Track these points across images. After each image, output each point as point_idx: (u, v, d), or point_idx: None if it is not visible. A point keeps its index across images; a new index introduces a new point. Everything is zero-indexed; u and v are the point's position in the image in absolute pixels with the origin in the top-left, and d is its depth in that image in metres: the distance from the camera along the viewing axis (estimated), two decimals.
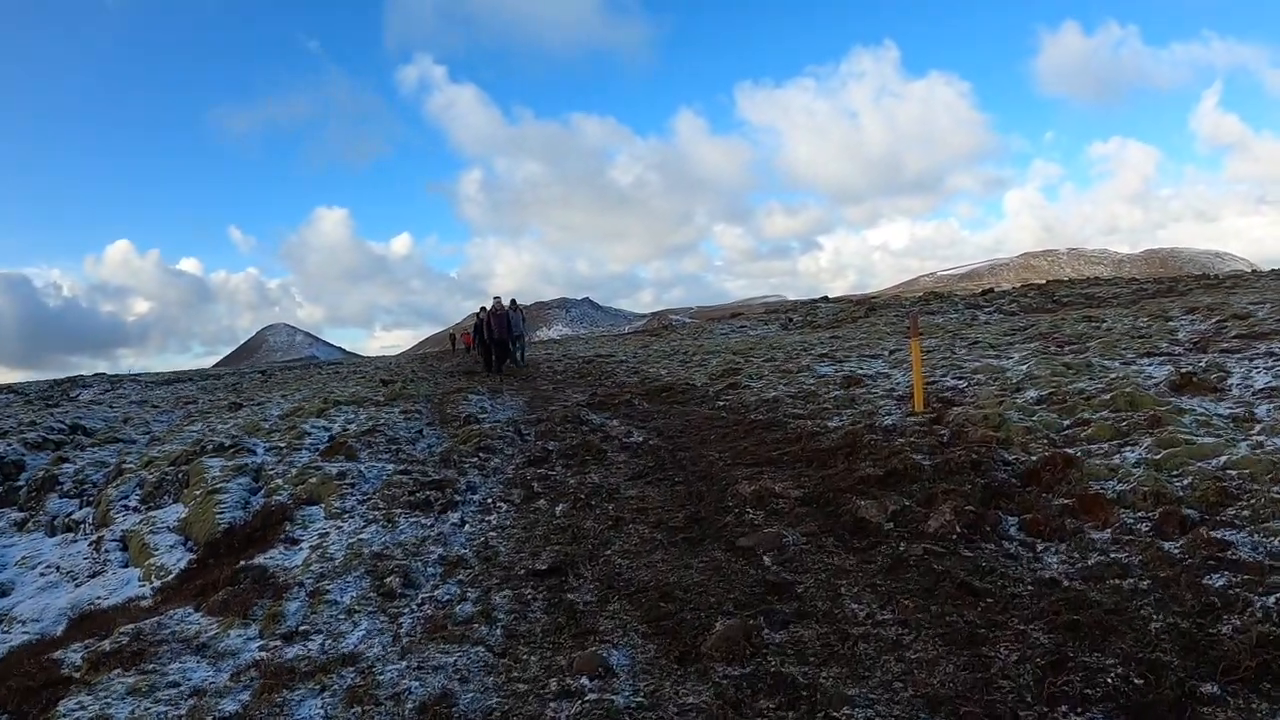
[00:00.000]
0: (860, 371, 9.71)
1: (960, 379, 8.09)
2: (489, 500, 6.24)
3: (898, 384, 8.23)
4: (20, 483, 9.84)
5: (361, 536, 5.82)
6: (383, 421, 9.44)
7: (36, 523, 8.94)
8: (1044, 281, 32.99)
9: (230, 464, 8.45)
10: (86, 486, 9.54)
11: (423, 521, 6.01)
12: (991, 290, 30.56)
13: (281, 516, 6.89)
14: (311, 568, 5.32)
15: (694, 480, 5.39)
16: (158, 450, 9.77)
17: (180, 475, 8.84)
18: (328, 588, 4.76)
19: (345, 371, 24.64)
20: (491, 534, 5.22)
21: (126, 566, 7.49)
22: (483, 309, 17.41)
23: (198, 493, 8.07)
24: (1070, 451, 4.45)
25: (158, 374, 31.26)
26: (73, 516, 9.00)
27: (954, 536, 3.47)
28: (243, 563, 5.82)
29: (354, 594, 4.58)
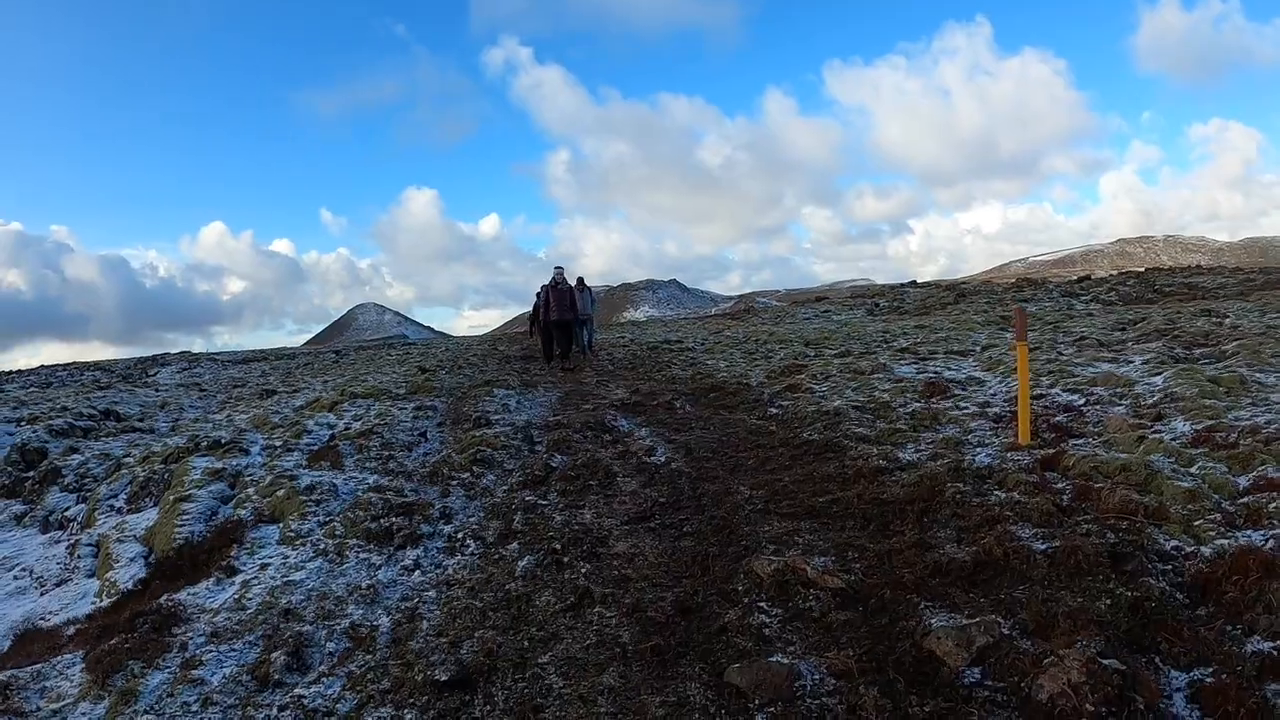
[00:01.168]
0: (947, 375, 7.98)
1: (1073, 392, 6.28)
2: (460, 534, 5.05)
3: (993, 395, 6.51)
4: (33, 474, 9.46)
5: (294, 577, 4.77)
6: (389, 420, 8.43)
7: (33, 518, 8.44)
8: (1142, 269, 30.09)
9: (214, 465, 7.62)
10: (87, 481, 8.99)
11: (373, 560, 4.88)
12: (1088, 277, 28.32)
13: (233, 536, 5.93)
14: (218, 618, 4.32)
15: (707, 533, 4.00)
16: (162, 444, 9.14)
17: (167, 475, 8.12)
18: (207, 657, 3.74)
19: (399, 355, 24.24)
20: (431, 593, 4.03)
21: (91, 576, 6.72)
22: (544, 287, 13.57)
23: (171, 498, 7.28)
24: (1266, 547, 2.79)
25: (235, 353, 32.06)
26: (67, 513, 8.46)
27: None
28: (160, 600, 4.88)
29: (228, 672, 3.53)
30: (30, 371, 24.84)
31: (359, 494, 6.09)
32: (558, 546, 4.14)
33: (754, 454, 5.55)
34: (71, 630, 5.04)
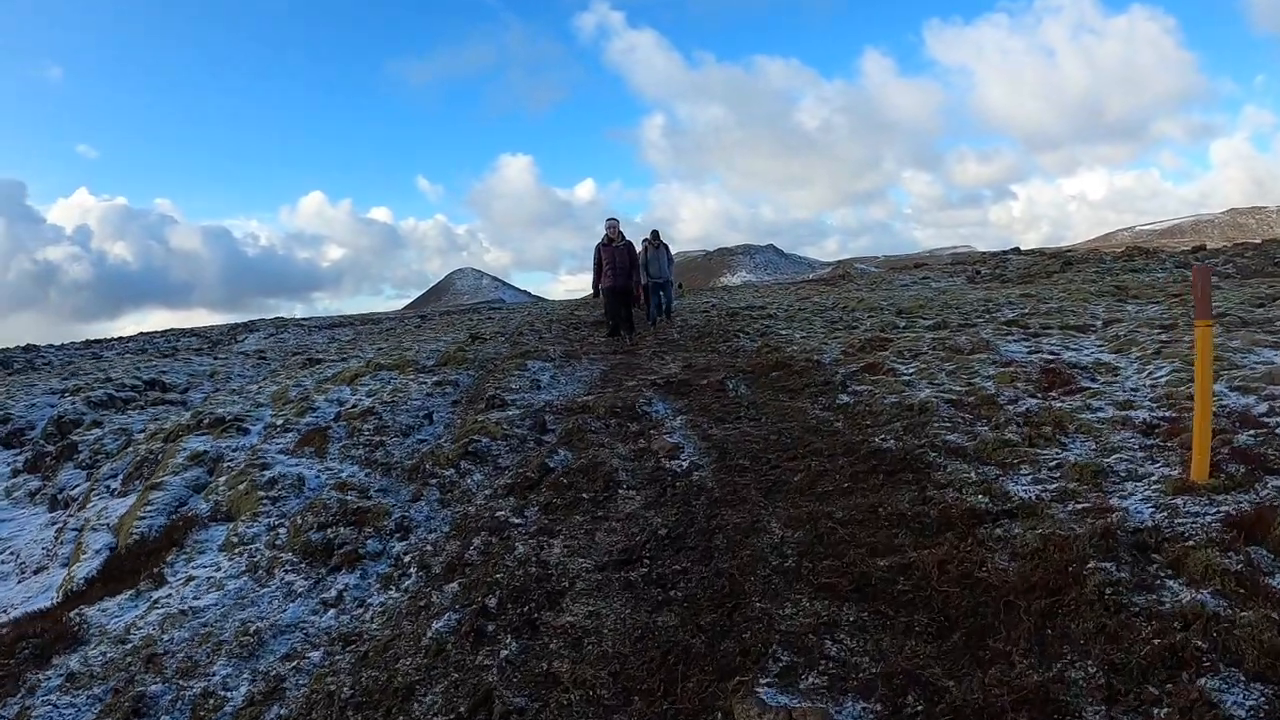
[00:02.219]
0: (1068, 357, 6.16)
1: (1246, 393, 4.39)
2: (408, 558, 3.95)
3: (1135, 392, 4.72)
4: (53, 448, 9.20)
5: (202, 600, 3.89)
6: (400, 398, 7.48)
7: (43, 495, 8.10)
8: (1259, 241, 26.33)
9: (200, 448, 6.88)
10: (99, 458, 8.57)
11: (295, 585, 3.87)
12: (1202, 248, 25.95)
13: (181, 536, 5.09)
14: (94, 653, 3.44)
15: (702, 603, 2.66)
16: (176, 419, 8.60)
17: (161, 455, 7.51)
18: (36, 715, 2.83)
19: (468, 320, 23.67)
20: (316, 654, 2.99)
21: (65, 566, 6.18)
22: (599, 245, 10.36)
23: (148, 484, 6.61)
24: None
25: (324, 318, 32.75)
26: (73, 492, 8.07)
27: None
28: (70, 614, 4.08)
29: None
30: (129, 338, 26.05)
31: (317, 493, 5.10)
32: (492, 604, 2.91)
33: (804, 464, 4.10)
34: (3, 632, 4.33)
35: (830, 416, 5.19)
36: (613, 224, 10.33)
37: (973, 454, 3.73)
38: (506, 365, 8.53)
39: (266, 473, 5.56)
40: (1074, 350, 6.76)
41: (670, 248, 13.69)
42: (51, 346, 22.86)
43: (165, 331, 27.75)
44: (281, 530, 4.59)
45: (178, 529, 5.17)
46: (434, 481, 5.08)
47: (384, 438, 6.30)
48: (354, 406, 7.44)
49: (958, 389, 5.20)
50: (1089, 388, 4.87)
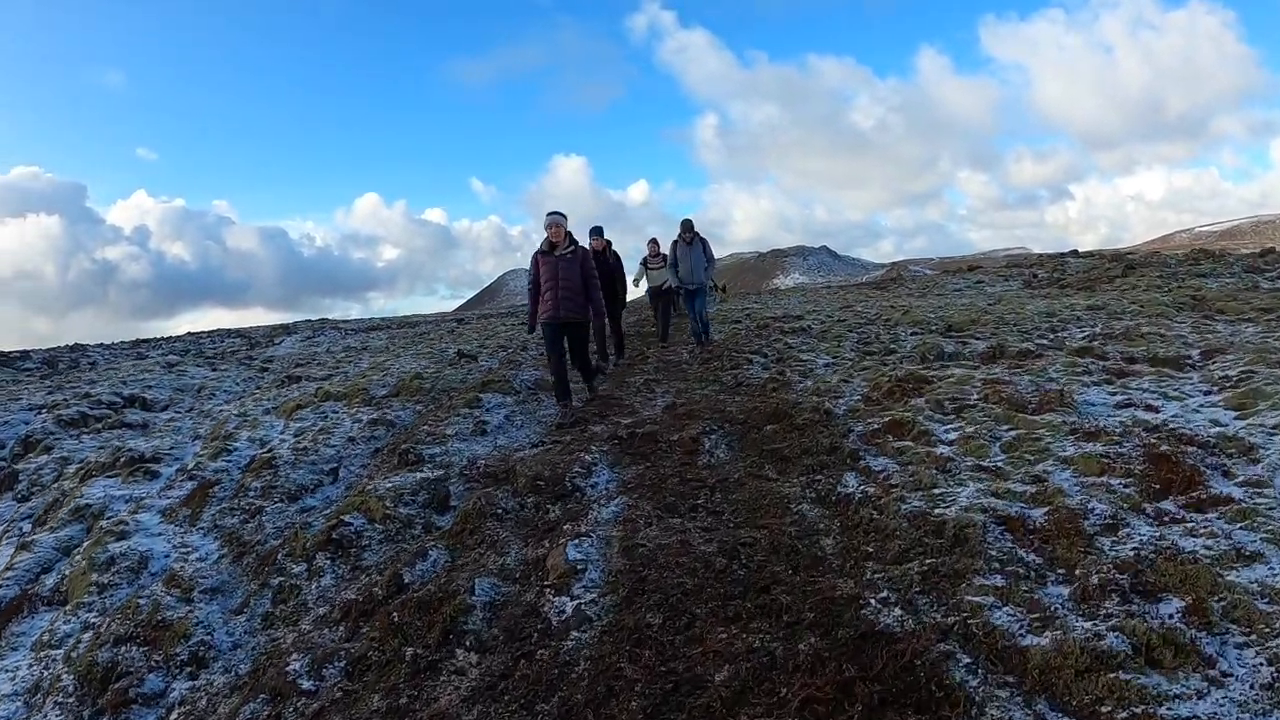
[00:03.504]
0: (1174, 418, 4.28)
1: None
2: (180, 716, 2.48)
3: None
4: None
5: None
6: (320, 440, 6.12)
7: None
8: None
9: (92, 498, 5.67)
10: (35, 490, 7.53)
11: None
12: (1272, 250, 22.90)
13: (4, 622, 3.81)
14: None
15: None
16: (114, 448, 7.49)
17: (63, 500, 6.38)
18: None
19: (473, 330, 22.39)
20: None
21: None
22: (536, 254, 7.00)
23: (18, 544, 5.42)
24: None
25: (361, 321, 32.22)
26: None
27: None
28: None
29: None
30: (178, 338, 25.87)
31: (151, 584, 3.73)
32: None
33: (740, 643, 2.37)
34: None
35: (821, 519, 3.44)
36: (556, 222, 6.52)
37: (1039, 675, 2.02)
38: (457, 400, 7.04)
39: (115, 545, 4.22)
40: (1177, 402, 4.84)
41: (709, 244, 9.97)
42: (100, 346, 22.67)
43: (213, 332, 27.62)
44: (86, 636, 3.24)
45: (11, 610, 3.89)
46: (276, 581, 3.63)
47: (267, 502, 4.91)
48: (269, 451, 6.10)
49: (1018, 488, 3.37)
50: (1223, 493, 3.05)
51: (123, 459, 6.81)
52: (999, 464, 3.80)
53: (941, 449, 4.15)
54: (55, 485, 6.97)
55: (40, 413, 9.83)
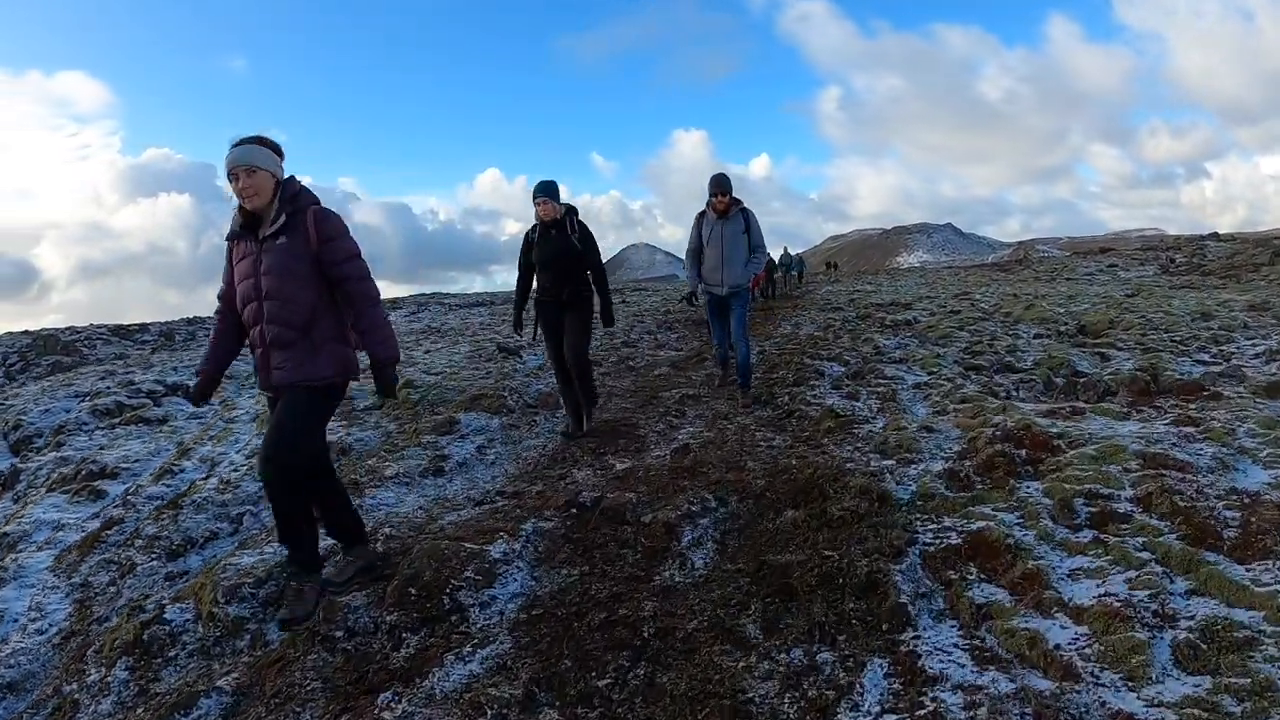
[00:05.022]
0: None
1: None
2: None
3: None
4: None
5: None
6: (244, 476, 4.97)
7: None
8: None
9: (34, 518, 4.84)
10: (30, 492, 7.08)
11: None
12: None
13: None
14: None
15: None
16: (97, 450, 6.78)
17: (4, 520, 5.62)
18: None
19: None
20: None
21: None
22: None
23: None
24: None
25: (467, 295, 32.12)
26: None
27: None
28: None
29: None
30: None
31: None
32: None
33: None
34: None
35: None
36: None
37: None
38: (431, 420, 5.63)
39: None
40: None
41: (756, 220, 5.79)
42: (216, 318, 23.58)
43: None
44: None
45: None
46: (67, 690, 2.40)
47: (146, 556, 3.72)
48: (206, 478, 5.00)
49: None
50: None
51: (84, 471, 5.99)
52: (1183, 659, 1.82)
53: (1061, 631, 2.16)
54: (22, 496, 6.32)
55: (84, 400, 9.51)
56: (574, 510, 3.63)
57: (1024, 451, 3.52)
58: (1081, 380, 5.96)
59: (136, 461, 6.20)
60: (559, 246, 4.83)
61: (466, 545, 3.25)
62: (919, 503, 3.14)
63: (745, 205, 5.78)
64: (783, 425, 4.91)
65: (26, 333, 16.68)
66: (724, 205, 5.70)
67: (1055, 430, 3.81)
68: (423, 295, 32.16)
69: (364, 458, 5.13)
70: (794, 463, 3.88)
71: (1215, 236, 28.78)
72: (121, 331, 19.01)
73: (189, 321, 22.12)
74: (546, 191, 4.82)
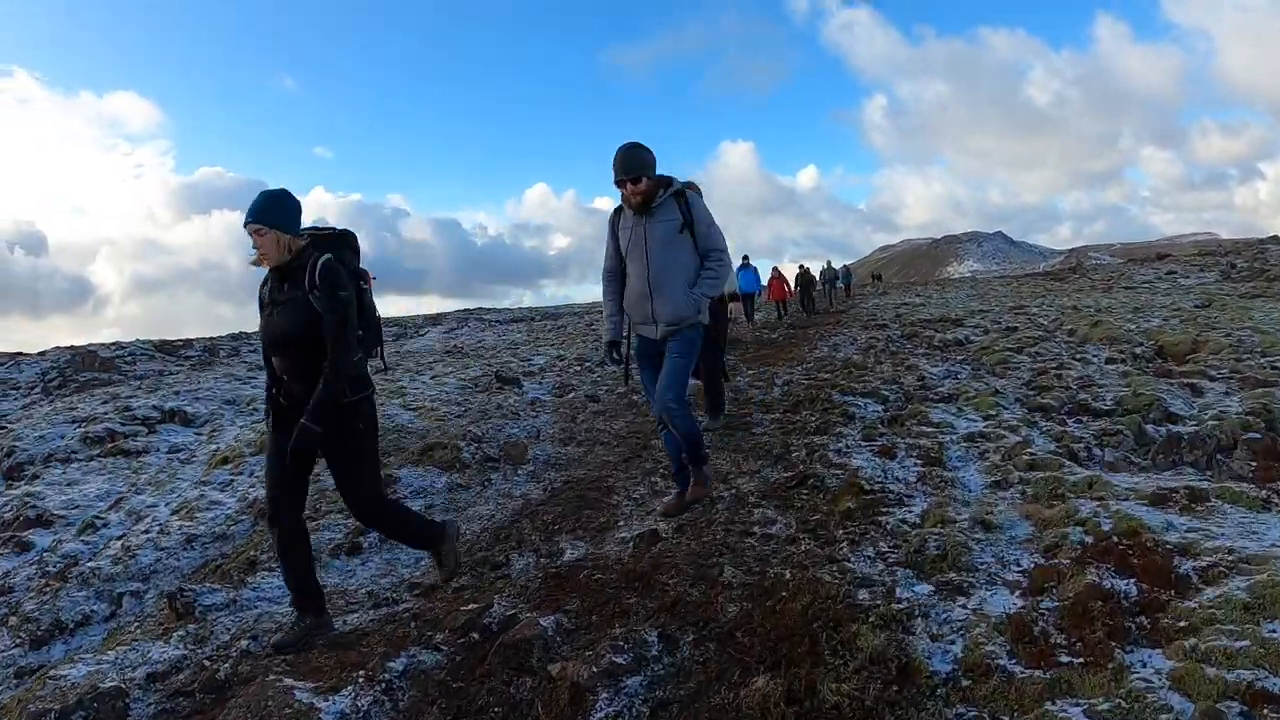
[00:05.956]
0: None
1: None
2: None
3: None
4: None
5: None
6: (149, 538, 4.09)
7: None
8: None
9: None
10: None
11: None
12: None
13: None
14: None
15: None
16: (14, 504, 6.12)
17: None
18: None
19: (553, 337, 20.04)
20: None
21: None
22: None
23: None
24: None
25: (506, 311, 31.57)
26: None
27: None
28: None
29: None
30: None
31: None
32: None
33: None
34: None
35: None
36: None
37: None
38: (384, 473, 4.65)
39: None
40: None
41: (701, 212, 3.51)
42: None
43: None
44: None
45: None
46: None
47: (12, 641, 3.28)
48: (123, 539, 4.21)
49: None
50: None
51: (23, 517, 5.29)
52: None
53: None
54: None
55: (80, 425, 9.01)
56: (471, 637, 2.56)
57: (1132, 584, 2.25)
58: (1183, 433, 4.55)
59: (77, 508, 5.51)
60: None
61: (298, 695, 2.22)
62: (964, 682, 1.93)
63: (680, 184, 3.50)
64: (789, 500, 3.71)
65: (72, 348, 16.75)
66: (641, 195, 3.33)
67: (1174, 540, 2.52)
68: (465, 311, 31.83)
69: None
70: (788, 576, 2.69)
71: (1276, 239, 27.27)
72: (165, 347, 18.97)
73: (233, 337, 22.10)
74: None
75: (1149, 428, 4.82)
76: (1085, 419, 5.21)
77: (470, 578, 3.29)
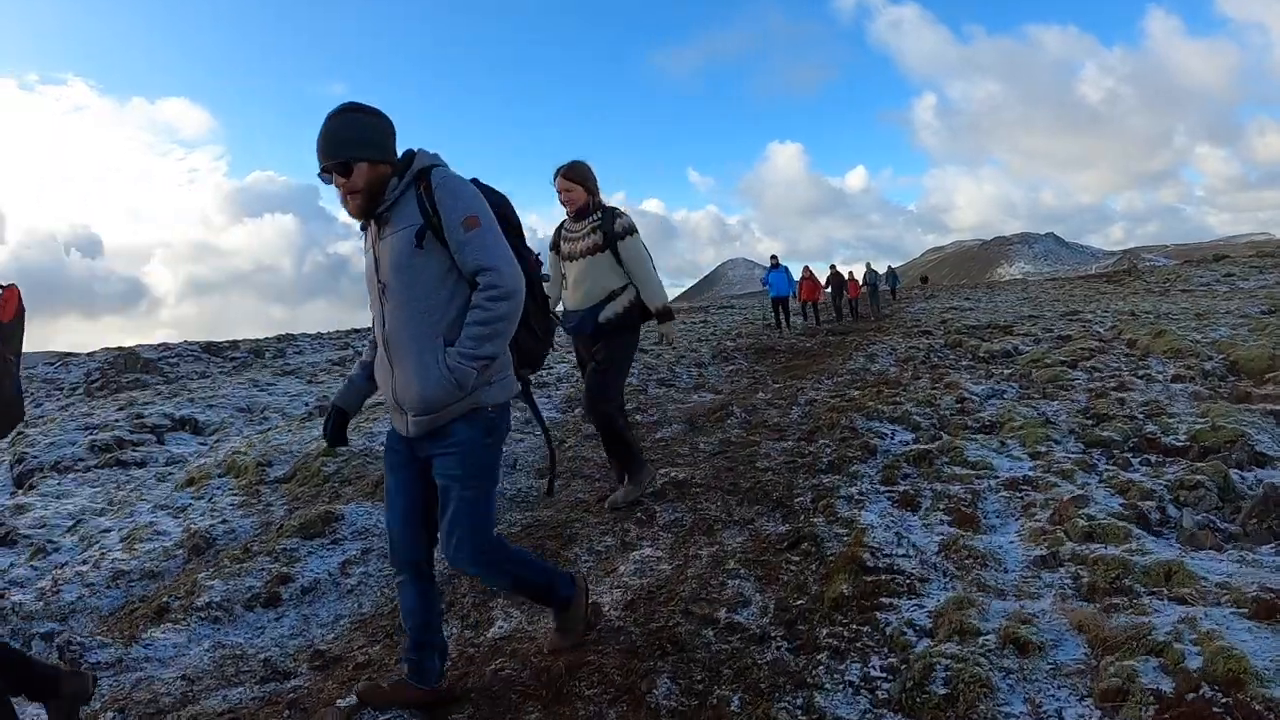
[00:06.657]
0: None
1: None
2: None
3: None
4: None
5: None
6: (83, 574, 3.65)
7: None
8: None
9: None
10: None
11: None
12: None
13: None
14: None
15: None
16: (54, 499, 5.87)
17: None
18: None
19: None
20: None
21: None
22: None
23: None
24: None
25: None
26: None
27: None
28: None
29: None
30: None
31: None
32: None
33: None
34: None
35: None
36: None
37: None
38: (311, 511, 4.08)
39: None
40: None
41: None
42: (308, 336, 23.52)
43: None
44: None
45: None
46: None
47: None
48: (63, 568, 3.81)
49: None
50: None
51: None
52: None
53: None
54: None
55: (90, 432, 8.88)
56: None
57: None
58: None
59: (43, 528, 5.19)
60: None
61: None
62: None
63: (429, 160, 2.01)
64: (775, 570, 2.97)
65: (120, 349, 17.09)
66: (357, 193, 1.91)
67: None
68: None
69: (204, 565, 3.69)
70: (735, 706, 1.97)
71: None
72: (212, 349, 19.18)
73: (279, 339, 22.31)
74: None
75: (1235, 474, 3.87)
76: (1154, 459, 4.30)
77: (384, 646, 2.71)
